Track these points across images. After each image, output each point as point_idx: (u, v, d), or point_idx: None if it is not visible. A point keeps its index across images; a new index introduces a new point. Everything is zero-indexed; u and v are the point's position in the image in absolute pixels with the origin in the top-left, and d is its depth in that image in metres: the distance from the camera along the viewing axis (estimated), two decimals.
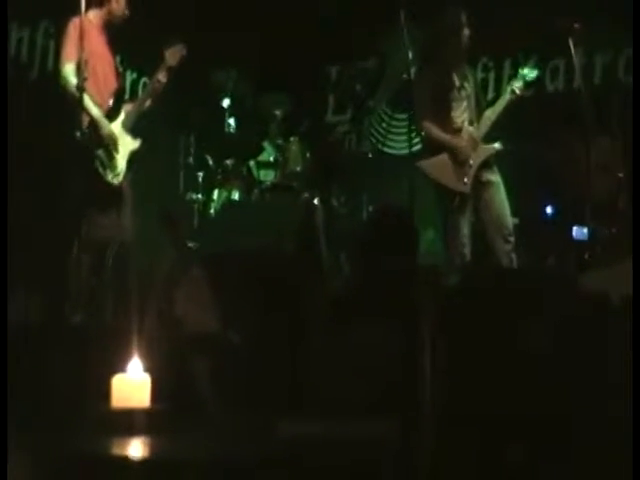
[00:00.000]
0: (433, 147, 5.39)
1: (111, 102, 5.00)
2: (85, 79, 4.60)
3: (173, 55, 5.10)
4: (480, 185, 5.30)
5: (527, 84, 5.37)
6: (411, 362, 2.53)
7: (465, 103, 5.37)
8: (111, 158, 4.93)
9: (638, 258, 4.02)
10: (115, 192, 4.96)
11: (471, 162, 5.27)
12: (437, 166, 5.33)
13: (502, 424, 2.34)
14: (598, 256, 5.25)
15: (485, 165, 5.33)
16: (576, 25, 5.16)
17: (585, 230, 5.27)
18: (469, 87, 5.40)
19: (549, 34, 5.49)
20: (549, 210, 6.37)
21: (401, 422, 2.35)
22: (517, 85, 5.33)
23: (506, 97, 5.35)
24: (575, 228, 5.38)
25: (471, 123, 5.35)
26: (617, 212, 5.49)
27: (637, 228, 4.33)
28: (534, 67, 5.41)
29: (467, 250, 5.24)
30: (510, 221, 5.30)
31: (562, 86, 6.75)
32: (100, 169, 4.89)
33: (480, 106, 5.44)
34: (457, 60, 5.41)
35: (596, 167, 5.44)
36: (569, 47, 5.19)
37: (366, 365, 2.75)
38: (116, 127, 4.98)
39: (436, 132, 5.33)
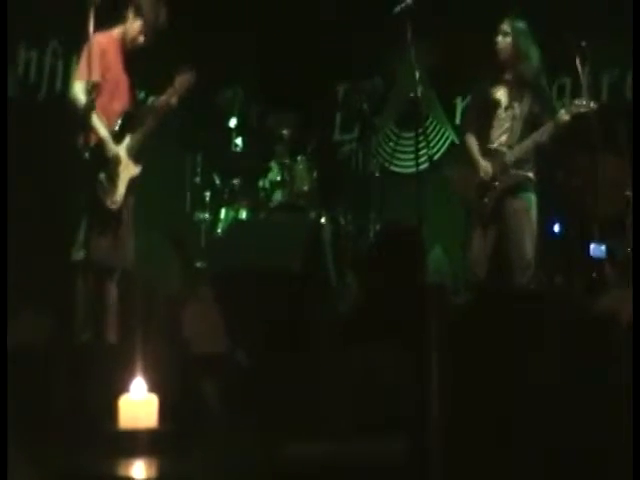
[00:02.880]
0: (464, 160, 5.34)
1: (118, 124, 4.93)
2: (94, 99, 4.57)
3: (182, 82, 5.05)
4: (504, 210, 5.21)
5: (575, 115, 5.11)
6: (418, 381, 2.51)
7: (508, 124, 5.25)
8: (111, 183, 4.84)
9: (639, 275, 4.01)
10: (113, 217, 4.87)
11: (496, 184, 5.18)
12: (463, 180, 5.28)
13: (511, 443, 2.33)
14: (607, 275, 5.23)
15: (514, 191, 5.21)
16: (583, 43, 5.15)
17: (603, 247, 5.22)
18: (519, 107, 5.24)
19: (556, 52, 5.49)
20: (557, 228, 6.35)
21: (409, 442, 2.34)
22: (565, 116, 5.10)
23: (551, 126, 5.15)
24: (593, 246, 5.29)
25: (509, 147, 5.24)
26: (625, 230, 5.47)
27: (637, 245, 4.32)
28: (589, 100, 5.15)
29: (481, 270, 5.16)
30: (529, 253, 5.15)
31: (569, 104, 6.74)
32: (100, 193, 4.82)
33: (532, 129, 5.23)
34: (499, 72, 5.26)
35: (603, 185, 5.43)
36: (576, 65, 5.18)
37: (374, 384, 2.73)
38: (121, 152, 4.91)
39: (471, 149, 5.26)
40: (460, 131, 5.34)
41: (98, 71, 4.72)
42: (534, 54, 5.26)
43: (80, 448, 2.28)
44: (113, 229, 4.87)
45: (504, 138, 5.24)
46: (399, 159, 7.63)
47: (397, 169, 7.61)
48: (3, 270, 3.89)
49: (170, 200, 6.89)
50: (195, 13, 6.95)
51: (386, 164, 7.60)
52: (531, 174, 5.27)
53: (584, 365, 2.36)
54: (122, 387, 2.41)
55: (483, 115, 5.27)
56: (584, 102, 5.16)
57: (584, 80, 5.27)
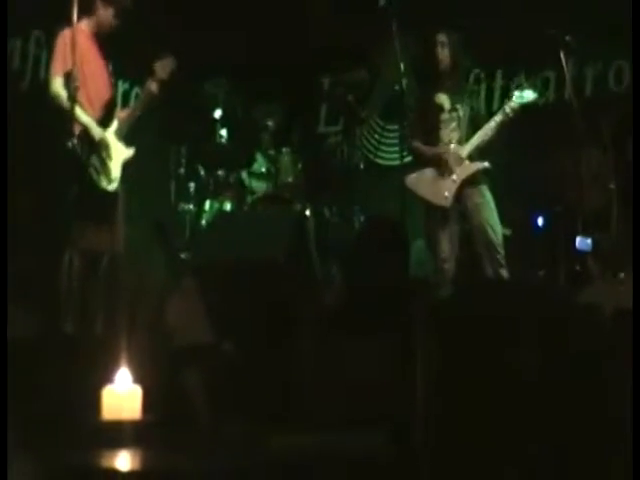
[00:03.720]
0: (421, 163, 5.43)
1: (103, 111, 4.96)
2: (77, 89, 4.58)
3: (163, 68, 5.05)
4: (466, 203, 5.31)
5: (523, 106, 5.31)
6: (402, 373, 2.52)
7: (455, 124, 5.37)
8: (104, 164, 4.88)
9: (638, 268, 4.03)
10: (110, 199, 4.90)
11: (454, 177, 5.28)
12: (420, 180, 5.36)
13: (494, 435, 2.34)
14: (591, 268, 5.26)
15: (473, 183, 5.32)
16: (567, 37, 5.18)
17: (589, 241, 5.26)
18: (462, 109, 5.38)
19: (540, 45, 5.51)
20: (541, 221, 6.38)
21: (392, 434, 2.35)
22: (512, 106, 5.26)
23: (497, 118, 5.29)
24: (579, 239, 5.34)
25: (460, 143, 5.36)
26: (609, 223, 5.49)
27: (637, 237, 4.33)
28: (532, 89, 5.34)
29: (449, 265, 5.25)
30: (498, 241, 5.24)
31: (553, 98, 6.77)
32: (94, 175, 4.85)
33: (476, 127, 5.40)
34: (440, 79, 5.40)
35: (587, 178, 5.46)
36: (560, 59, 5.20)
37: (357, 376, 2.74)
38: (109, 135, 4.94)
39: (422, 150, 5.38)
40: (406, 139, 5.46)
41: (72, 63, 4.72)
42: (467, 62, 5.52)
43: (64, 439, 2.28)
44: (110, 211, 4.89)
45: (454, 135, 5.36)
46: (384, 151, 7.63)
47: (382, 161, 7.62)
48: (3, 269, 3.87)
49: (154, 191, 6.87)
50: (180, 5, 6.93)
51: (371, 156, 7.60)
52: (487, 163, 5.34)
53: (568, 358, 2.37)
54: (106, 378, 2.41)
55: (428, 119, 5.36)
56: (524, 93, 5.29)
57: (568, 73, 5.30)
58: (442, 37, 5.35)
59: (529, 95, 5.29)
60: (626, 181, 5.20)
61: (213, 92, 6.84)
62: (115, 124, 4.99)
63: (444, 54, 5.35)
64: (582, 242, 5.33)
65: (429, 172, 5.35)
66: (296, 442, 2.33)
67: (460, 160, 5.29)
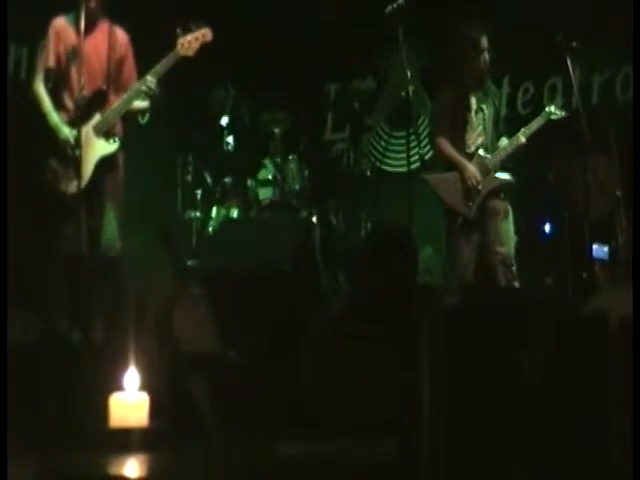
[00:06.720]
0: (444, 164, 5.40)
1: (82, 104, 4.57)
2: (55, 85, 4.53)
3: (189, 44, 4.63)
4: (487, 212, 5.30)
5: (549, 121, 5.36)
6: (410, 382, 2.52)
7: (481, 127, 5.36)
8: (67, 166, 4.57)
9: (638, 277, 4.03)
10: (74, 201, 4.54)
11: (480, 188, 5.26)
12: (445, 184, 5.34)
13: (503, 444, 2.34)
14: (597, 274, 5.26)
15: (495, 194, 5.31)
16: (574, 44, 5.18)
17: (606, 249, 5.26)
18: (487, 111, 5.39)
19: (547, 53, 5.52)
20: (548, 228, 6.38)
21: (400, 443, 2.35)
22: (540, 121, 5.35)
23: (527, 131, 5.34)
24: (595, 247, 5.34)
25: (486, 149, 5.34)
26: (616, 230, 5.49)
27: (637, 245, 4.33)
28: (562, 108, 5.40)
29: (467, 273, 5.24)
30: (512, 252, 5.26)
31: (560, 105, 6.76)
32: (51, 179, 4.61)
33: (498, 131, 5.42)
34: (475, 82, 5.39)
35: (594, 186, 5.46)
36: (567, 66, 5.21)
37: (364, 385, 2.74)
38: (86, 131, 4.58)
39: (449, 151, 5.33)
40: (431, 136, 5.46)
41: (54, 56, 4.64)
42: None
43: (71, 447, 2.28)
44: (76, 214, 4.54)
45: (480, 140, 5.36)
46: (390, 158, 7.64)
47: (388, 168, 7.63)
48: (3, 271, 3.87)
49: (161, 198, 6.88)
50: (185, 12, 6.93)
51: (377, 163, 7.61)
52: (509, 176, 5.34)
53: (575, 365, 2.37)
54: (112, 386, 2.41)
55: (456, 118, 5.35)
56: (552, 108, 5.39)
57: (575, 81, 5.30)
58: (485, 42, 5.35)
59: (558, 111, 5.33)
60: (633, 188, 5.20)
61: (220, 99, 6.85)
62: (96, 118, 4.65)
63: (485, 58, 5.35)
64: (599, 250, 5.34)
65: (454, 176, 5.32)
66: (303, 450, 2.33)
67: (487, 170, 5.28)
